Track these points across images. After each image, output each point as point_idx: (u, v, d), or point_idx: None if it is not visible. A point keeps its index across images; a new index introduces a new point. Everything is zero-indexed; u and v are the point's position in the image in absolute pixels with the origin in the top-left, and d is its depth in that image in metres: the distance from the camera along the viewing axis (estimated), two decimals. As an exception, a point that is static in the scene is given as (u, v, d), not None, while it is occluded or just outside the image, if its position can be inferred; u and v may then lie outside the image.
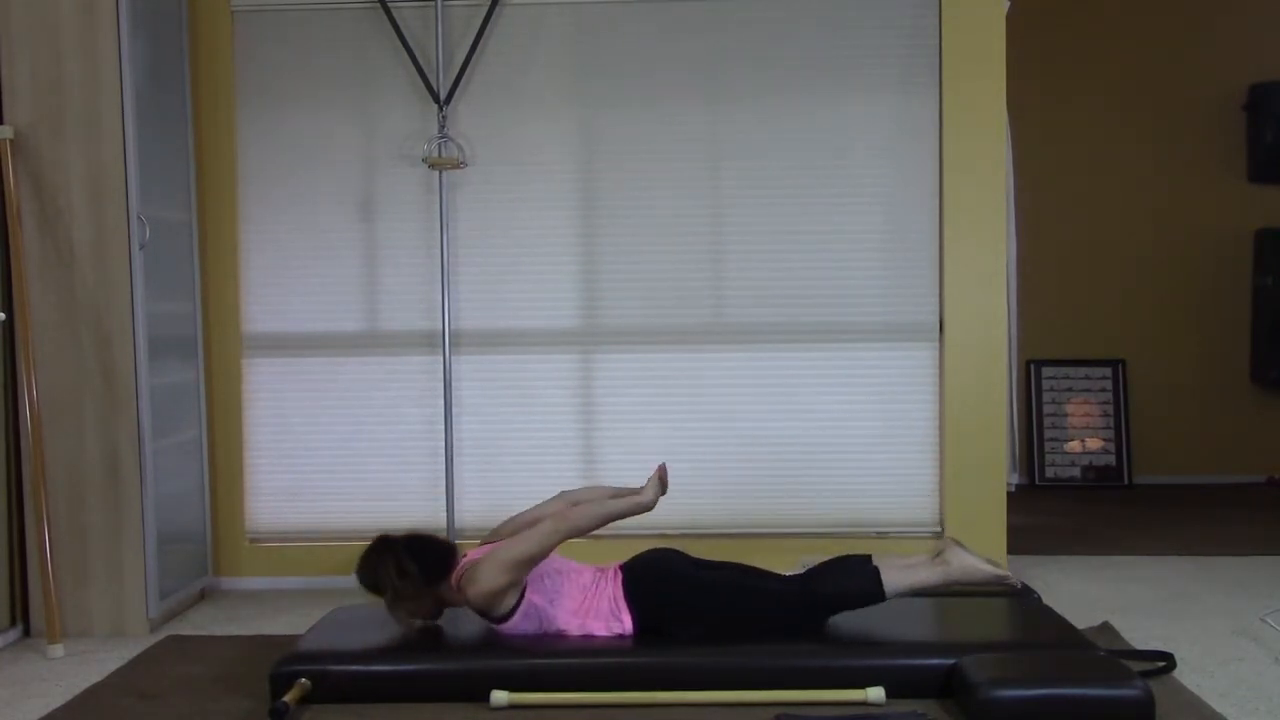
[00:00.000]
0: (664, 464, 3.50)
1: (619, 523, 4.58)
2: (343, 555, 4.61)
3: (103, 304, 3.96)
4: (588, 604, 3.40)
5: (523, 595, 3.36)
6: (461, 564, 3.44)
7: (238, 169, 4.61)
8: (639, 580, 3.44)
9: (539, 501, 3.68)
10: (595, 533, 4.56)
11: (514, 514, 3.65)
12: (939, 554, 3.44)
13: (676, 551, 3.57)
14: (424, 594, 3.40)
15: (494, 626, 3.41)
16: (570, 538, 3.40)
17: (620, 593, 3.41)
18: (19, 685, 3.51)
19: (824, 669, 3.17)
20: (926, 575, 3.39)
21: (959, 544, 3.47)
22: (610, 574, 3.47)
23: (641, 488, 3.46)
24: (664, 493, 3.47)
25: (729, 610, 3.39)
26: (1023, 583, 3.77)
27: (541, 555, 3.36)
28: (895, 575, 3.38)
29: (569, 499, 3.59)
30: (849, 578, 3.40)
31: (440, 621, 3.53)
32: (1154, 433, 6.66)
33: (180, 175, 4.42)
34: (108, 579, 4.00)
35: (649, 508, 3.45)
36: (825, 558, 3.54)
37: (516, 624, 3.38)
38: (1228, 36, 6.61)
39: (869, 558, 3.43)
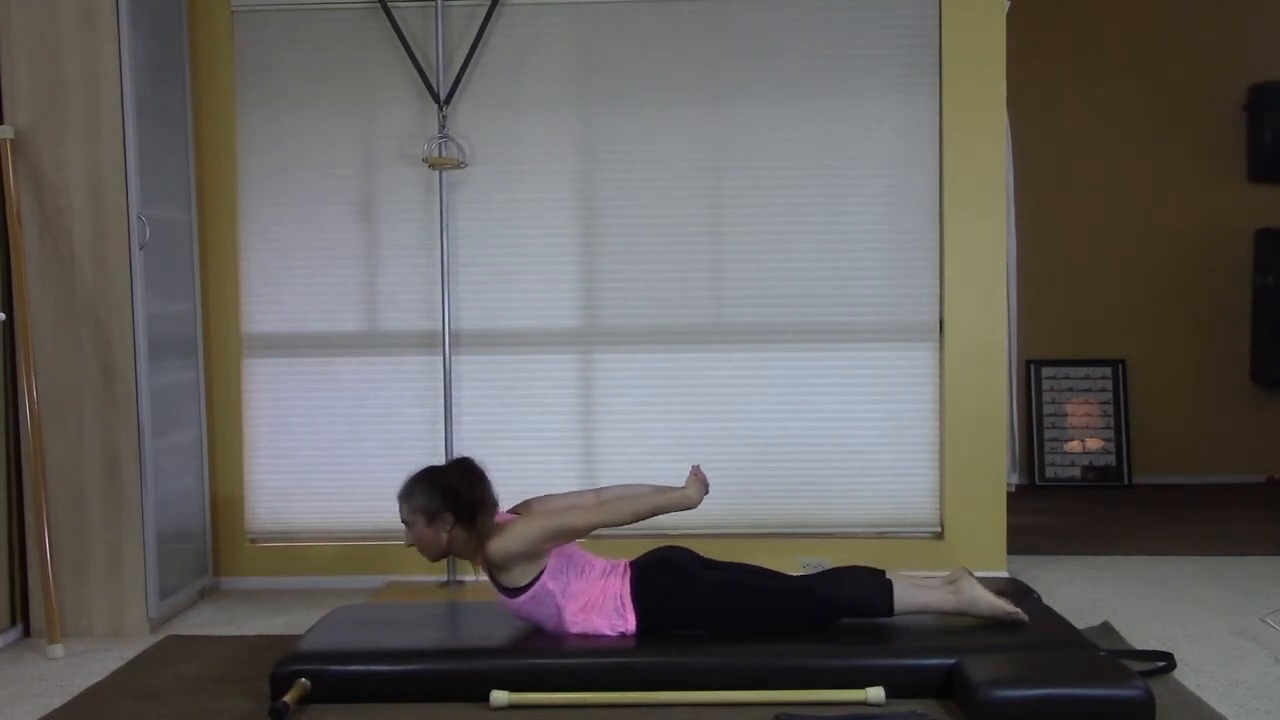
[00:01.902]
0: (698, 465, 3.48)
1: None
2: (343, 555, 4.63)
3: (103, 304, 3.96)
4: (594, 599, 3.40)
5: (540, 575, 3.35)
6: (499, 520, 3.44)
7: (238, 169, 4.61)
8: (650, 578, 3.42)
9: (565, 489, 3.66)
10: (600, 532, 4.59)
11: (543, 494, 3.58)
12: (952, 582, 3.44)
13: (687, 550, 3.56)
14: (463, 525, 3.34)
15: (502, 599, 3.40)
16: (610, 525, 3.40)
17: (628, 589, 3.40)
18: (19, 685, 3.51)
19: (824, 669, 3.17)
20: (938, 599, 3.40)
21: (971, 575, 3.47)
22: (620, 570, 3.46)
23: (684, 485, 3.44)
24: (706, 492, 3.44)
25: (737, 610, 3.39)
26: (1025, 596, 3.78)
27: (577, 534, 3.38)
28: (906, 592, 3.39)
29: (609, 494, 3.58)
30: (862, 586, 3.41)
31: (440, 621, 3.52)
32: (1154, 433, 6.66)
33: (180, 175, 4.42)
34: (108, 579, 4.00)
35: (694, 504, 3.42)
36: (825, 559, 3.54)
37: (524, 604, 3.37)
38: (1228, 36, 6.61)
39: (883, 571, 3.44)
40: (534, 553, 3.32)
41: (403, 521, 3.38)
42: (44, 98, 3.94)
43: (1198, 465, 6.62)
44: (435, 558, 3.42)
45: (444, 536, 3.34)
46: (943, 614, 3.42)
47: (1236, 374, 6.66)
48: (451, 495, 3.33)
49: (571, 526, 3.35)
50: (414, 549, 3.41)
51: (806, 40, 4.55)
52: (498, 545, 3.30)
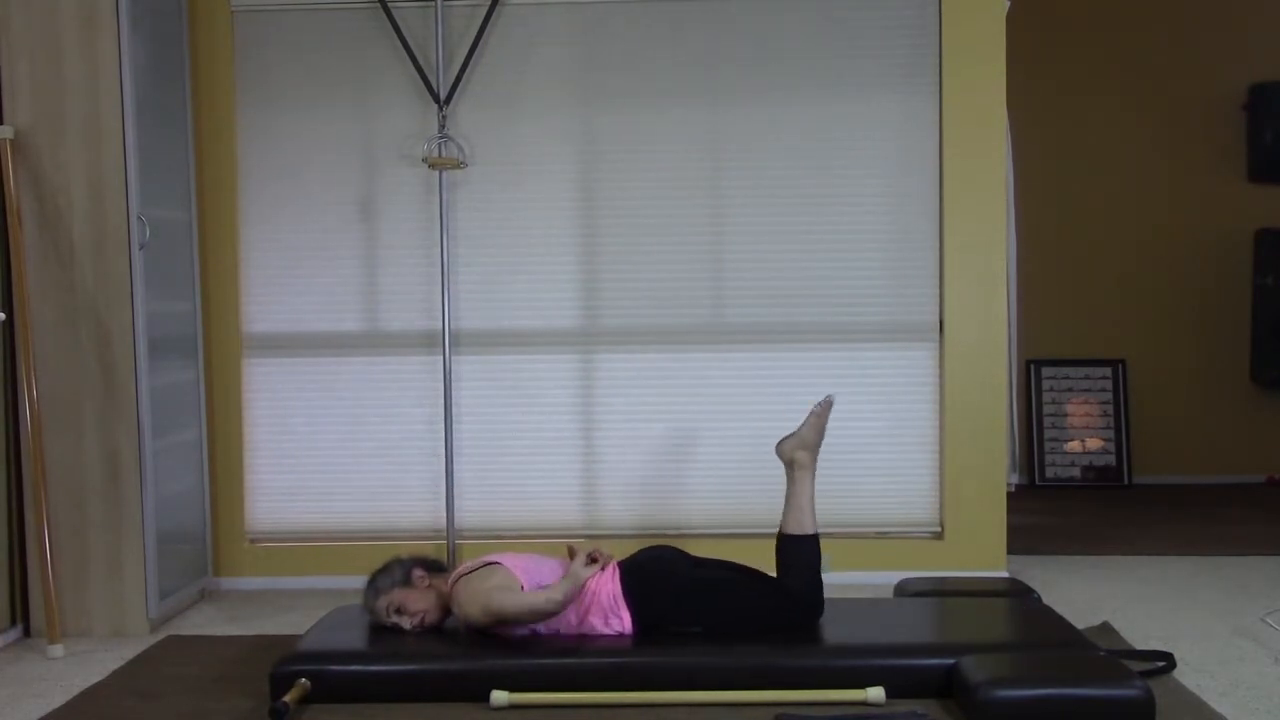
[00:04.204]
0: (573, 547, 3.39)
1: (616, 523, 4.62)
2: (343, 555, 4.62)
3: (103, 304, 3.96)
4: (587, 601, 3.40)
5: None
6: (459, 569, 3.47)
7: (238, 169, 4.61)
8: (637, 579, 3.43)
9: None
10: (593, 532, 4.61)
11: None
12: (790, 466, 3.52)
13: (675, 549, 3.58)
14: (431, 587, 3.47)
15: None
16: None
17: (619, 590, 3.40)
18: (19, 685, 3.51)
19: (824, 669, 3.17)
20: (806, 489, 3.48)
21: (786, 443, 3.55)
22: (609, 572, 3.46)
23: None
24: (598, 566, 3.36)
25: (726, 609, 3.39)
26: (1025, 596, 3.79)
27: (517, 621, 3.32)
28: (804, 518, 3.46)
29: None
30: (809, 553, 3.46)
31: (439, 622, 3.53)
32: (1154, 433, 6.66)
33: (180, 175, 4.42)
34: (108, 579, 4.00)
35: (581, 583, 3.30)
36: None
37: (514, 628, 3.38)
38: (1228, 36, 6.61)
39: (791, 536, 3.50)
40: (483, 623, 3.33)
41: (394, 614, 3.42)
42: (44, 98, 3.94)
43: (1198, 465, 6.62)
44: (440, 614, 3.47)
45: (428, 587, 3.45)
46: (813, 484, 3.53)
47: (1236, 374, 6.66)
48: (401, 560, 3.53)
49: (511, 616, 3.29)
50: (419, 623, 3.43)
51: (806, 40, 4.55)
52: (455, 607, 3.37)
